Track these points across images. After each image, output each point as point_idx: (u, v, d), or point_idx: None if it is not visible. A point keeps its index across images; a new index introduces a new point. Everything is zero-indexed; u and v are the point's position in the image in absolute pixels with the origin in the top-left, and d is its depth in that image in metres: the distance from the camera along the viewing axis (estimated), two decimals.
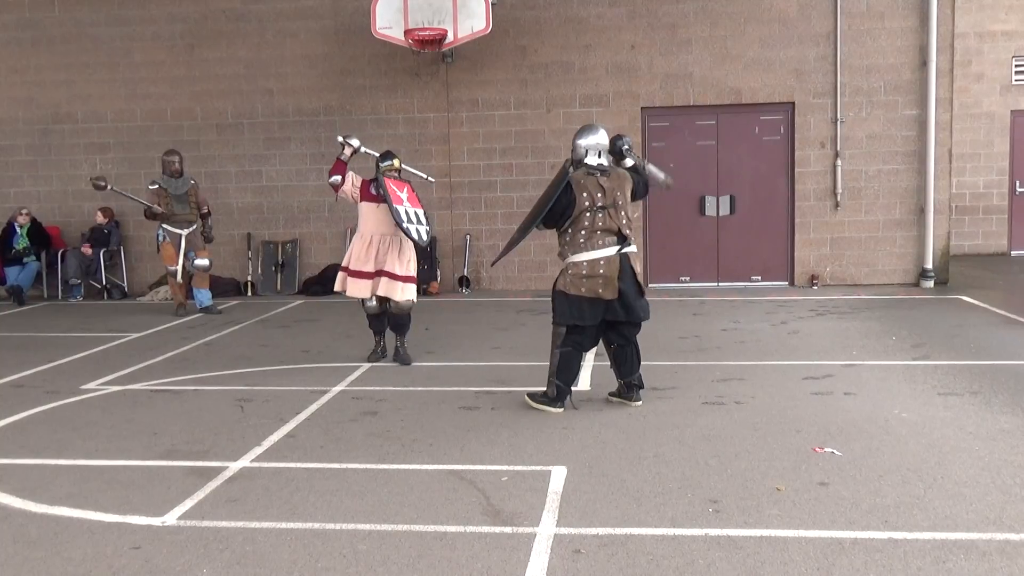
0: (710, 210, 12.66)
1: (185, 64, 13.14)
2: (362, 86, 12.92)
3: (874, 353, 7.90)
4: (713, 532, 4.05)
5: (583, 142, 6.21)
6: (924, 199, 12.13)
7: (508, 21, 12.36)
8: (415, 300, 7.86)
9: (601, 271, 6.02)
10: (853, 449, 5.18)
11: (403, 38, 11.57)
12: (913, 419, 5.77)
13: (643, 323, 6.32)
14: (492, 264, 7.59)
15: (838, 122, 12.23)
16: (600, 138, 6.23)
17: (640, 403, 6.29)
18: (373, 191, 7.74)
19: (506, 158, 12.76)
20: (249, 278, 13.13)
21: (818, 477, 4.74)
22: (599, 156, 6.19)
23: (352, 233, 8.33)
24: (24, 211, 12.82)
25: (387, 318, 7.92)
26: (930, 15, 11.83)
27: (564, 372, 6.17)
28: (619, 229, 6.09)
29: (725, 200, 12.63)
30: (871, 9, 12.08)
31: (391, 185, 7.59)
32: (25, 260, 12.72)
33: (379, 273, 7.66)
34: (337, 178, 7.75)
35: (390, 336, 8.05)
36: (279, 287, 13.09)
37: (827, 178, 12.37)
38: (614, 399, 6.40)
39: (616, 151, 6.36)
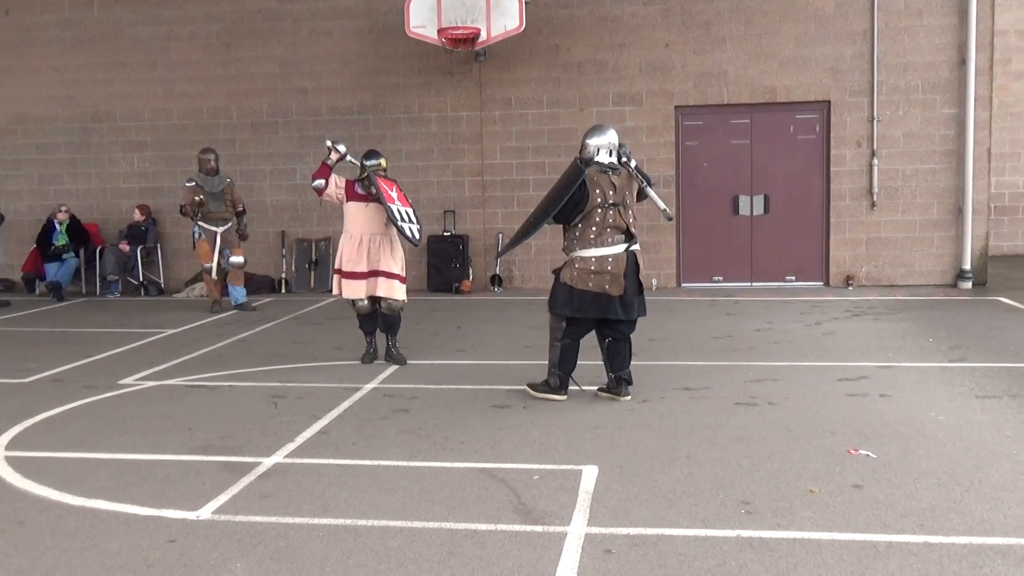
0: (744, 209, 12.57)
1: (221, 63, 13.27)
2: (395, 85, 12.97)
3: (910, 355, 7.80)
4: (745, 533, 4.02)
5: (594, 141, 6.29)
6: (962, 199, 11.97)
7: (541, 20, 12.35)
8: (406, 300, 7.78)
9: (609, 268, 6.19)
10: (888, 452, 5.13)
11: (436, 37, 11.60)
12: (950, 422, 5.70)
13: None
14: (497, 257, 7.64)
15: (875, 121, 12.10)
16: (611, 137, 6.31)
17: (629, 397, 6.40)
18: (359, 190, 7.67)
19: (539, 157, 12.75)
20: (283, 275, 13.24)
21: (852, 479, 4.69)
22: (610, 155, 6.27)
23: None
24: (63, 208, 13.02)
25: (378, 318, 7.81)
26: (969, 12, 11.67)
27: (565, 363, 6.38)
28: (628, 227, 6.25)
29: (759, 199, 12.54)
30: (909, 6, 11.93)
31: (383, 184, 7.55)
32: (64, 257, 12.92)
33: (373, 273, 7.56)
34: (321, 182, 7.65)
35: (379, 336, 8.00)
36: (312, 284, 13.18)
37: (863, 177, 12.24)
38: (603, 395, 6.48)
39: (617, 158, 6.39)
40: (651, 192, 6.43)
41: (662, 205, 6.49)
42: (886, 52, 12.01)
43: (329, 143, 7.93)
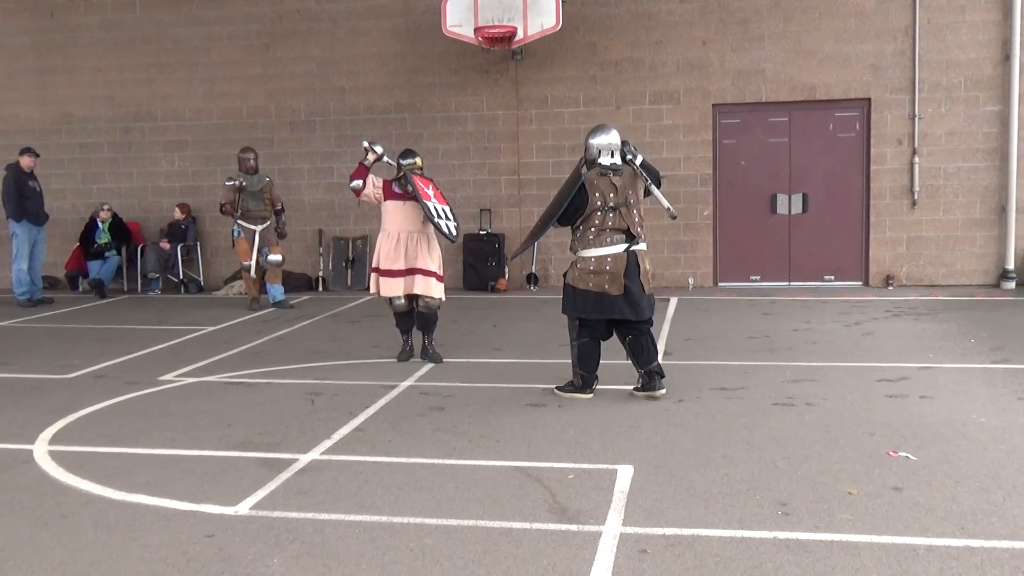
0: (782, 208, 12.46)
1: (260, 63, 13.39)
2: (432, 84, 13.02)
3: (952, 356, 7.69)
4: (782, 535, 3.99)
5: (596, 142, 6.35)
6: (1006, 198, 11.77)
7: (578, 18, 12.32)
8: (443, 298, 7.77)
9: (608, 267, 6.22)
10: (928, 454, 5.06)
11: (473, 36, 11.62)
12: (992, 424, 5.61)
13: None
14: (512, 258, 7.74)
15: (916, 118, 11.93)
16: (612, 138, 6.36)
17: (664, 391, 6.38)
18: (396, 189, 7.70)
19: (575, 155, 12.66)
20: (320, 274, 13.34)
21: (892, 482, 4.63)
22: (612, 156, 6.33)
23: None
24: (106, 207, 13.22)
25: (414, 316, 7.81)
26: (1013, 8, 11.47)
27: (586, 362, 6.41)
28: (629, 228, 6.28)
29: (797, 198, 12.42)
30: (951, 2, 11.75)
31: (419, 182, 7.57)
32: (106, 255, 13.12)
33: (410, 271, 7.58)
34: (358, 183, 7.70)
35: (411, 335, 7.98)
36: (349, 283, 13.27)
37: (904, 176, 12.09)
38: (639, 394, 6.45)
39: (621, 158, 6.40)
40: (656, 191, 6.42)
41: (666, 204, 6.48)
42: (928, 48, 11.84)
43: (366, 144, 7.97)
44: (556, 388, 6.60)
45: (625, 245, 6.27)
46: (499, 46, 11.77)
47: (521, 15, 11.50)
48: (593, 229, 6.25)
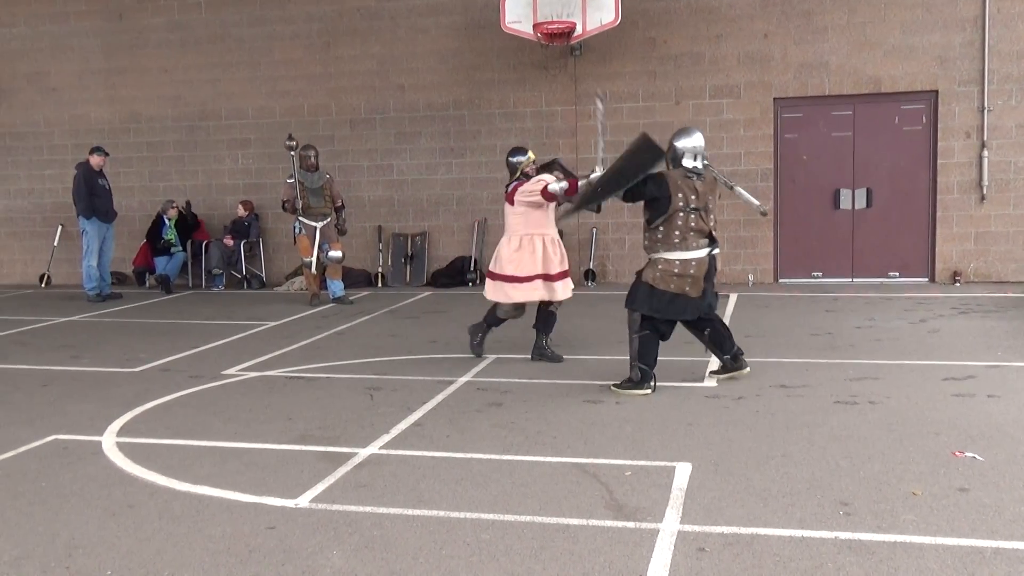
0: (845, 203, 12.25)
1: (321, 62, 13.56)
2: (491, 80, 13.04)
3: (1020, 354, 7.48)
4: (844, 536, 3.93)
5: (681, 144, 6.41)
6: None
7: (637, 12, 12.24)
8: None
9: (692, 271, 6.33)
10: (996, 454, 4.93)
11: (532, 32, 11.62)
12: None
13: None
14: (560, 219, 7.57)
15: (985, 111, 11.63)
16: (696, 141, 6.42)
17: (748, 368, 6.72)
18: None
19: None
20: (380, 270, 13.46)
21: (958, 483, 4.53)
22: (695, 159, 6.38)
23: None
24: (175, 205, 13.51)
25: (539, 316, 7.65)
26: None
27: (645, 356, 6.44)
28: (710, 231, 6.37)
29: (861, 193, 12.19)
30: None
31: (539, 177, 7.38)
32: (172, 251, 13.41)
33: (547, 276, 7.35)
34: (565, 186, 7.17)
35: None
36: (408, 279, 13.37)
37: (972, 170, 11.79)
38: (723, 376, 6.67)
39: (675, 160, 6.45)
40: (740, 191, 6.63)
41: (756, 202, 6.61)
42: (998, 39, 11.53)
43: (599, 97, 7.28)
44: (613, 385, 6.58)
45: (708, 249, 6.38)
46: (558, 42, 11.75)
47: (580, 10, 11.48)
48: (677, 232, 6.29)
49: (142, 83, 14.19)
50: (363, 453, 5.26)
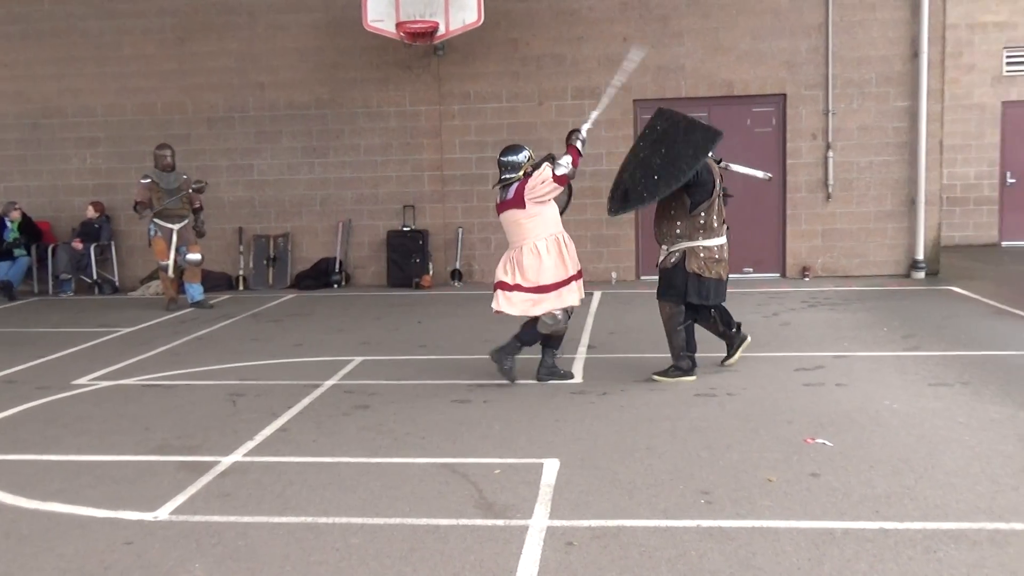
0: None
1: (175, 58, 13.09)
2: (353, 79, 12.88)
3: (865, 344, 7.92)
4: (705, 523, 4.06)
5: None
6: (915, 190, 12.15)
7: (500, 13, 12.32)
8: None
9: (725, 255, 6.65)
10: (844, 440, 5.20)
11: (395, 31, 11.54)
12: (904, 410, 5.79)
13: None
14: (615, 214, 7.25)
15: (830, 114, 12.24)
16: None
17: (749, 337, 7.09)
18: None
19: (498, 151, 12.66)
20: (241, 272, 13.11)
21: (809, 468, 4.75)
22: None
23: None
24: (16, 206, 12.77)
25: (528, 326, 6.79)
26: (921, 6, 11.83)
27: (691, 344, 6.78)
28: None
29: None
30: (863, 1, 12.08)
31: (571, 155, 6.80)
32: (15, 255, 12.68)
33: (579, 275, 6.78)
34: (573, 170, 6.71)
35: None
36: (271, 281, 13.07)
37: (819, 170, 12.39)
38: (731, 358, 7.05)
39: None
40: (737, 167, 7.08)
41: (760, 173, 7.13)
42: (840, 46, 12.15)
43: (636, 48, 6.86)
44: (656, 375, 6.74)
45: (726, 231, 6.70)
46: (421, 41, 11.71)
47: (443, 10, 11.46)
48: (715, 217, 6.55)
49: None
50: (226, 461, 5.11)
